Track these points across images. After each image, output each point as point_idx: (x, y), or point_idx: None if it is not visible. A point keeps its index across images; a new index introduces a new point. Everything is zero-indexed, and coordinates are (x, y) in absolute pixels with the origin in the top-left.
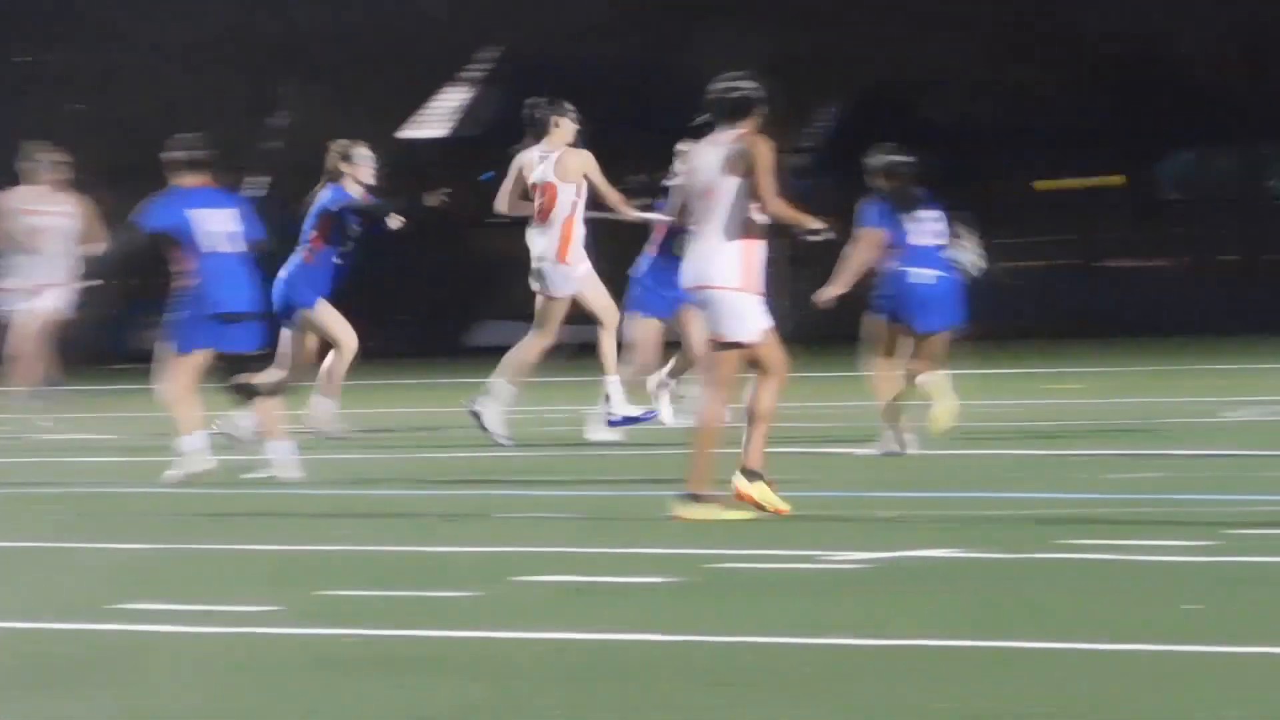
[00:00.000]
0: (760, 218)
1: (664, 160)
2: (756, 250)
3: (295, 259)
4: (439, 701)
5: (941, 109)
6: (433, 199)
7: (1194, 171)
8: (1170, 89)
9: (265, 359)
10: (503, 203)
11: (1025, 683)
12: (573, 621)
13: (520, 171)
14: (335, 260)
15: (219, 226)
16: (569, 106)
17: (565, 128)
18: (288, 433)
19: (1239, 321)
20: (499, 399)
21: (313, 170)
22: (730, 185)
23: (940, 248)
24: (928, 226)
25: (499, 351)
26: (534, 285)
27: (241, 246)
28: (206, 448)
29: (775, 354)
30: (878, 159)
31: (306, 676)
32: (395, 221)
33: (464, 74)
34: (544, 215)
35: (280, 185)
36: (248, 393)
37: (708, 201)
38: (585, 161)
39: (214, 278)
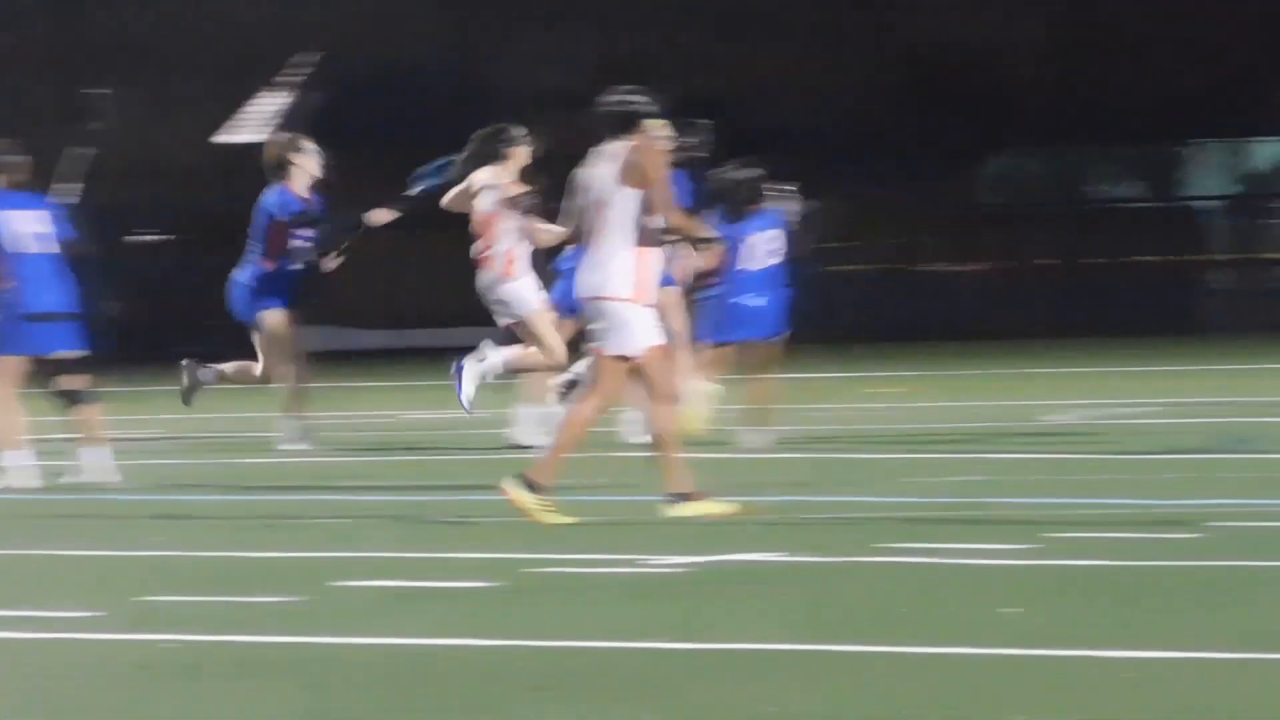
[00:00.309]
0: (655, 228)
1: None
2: (650, 261)
3: (254, 264)
4: (259, 707)
5: (760, 116)
6: (380, 215)
7: (1012, 177)
8: (989, 95)
9: (87, 362)
10: (448, 200)
11: (846, 686)
12: (393, 627)
13: (469, 187)
14: (294, 267)
15: (28, 228)
16: (521, 133)
17: (519, 156)
18: (106, 438)
19: (1057, 325)
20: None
21: (127, 173)
22: (624, 196)
23: (774, 267)
24: (761, 246)
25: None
26: (503, 320)
27: (53, 248)
28: (29, 462)
29: (659, 371)
30: (720, 175)
31: (127, 682)
32: (331, 264)
33: (280, 78)
34: (486, 246)
35: (93, 190)
36: (70, 398)
37: (601, 213)
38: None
39: (23, 279)
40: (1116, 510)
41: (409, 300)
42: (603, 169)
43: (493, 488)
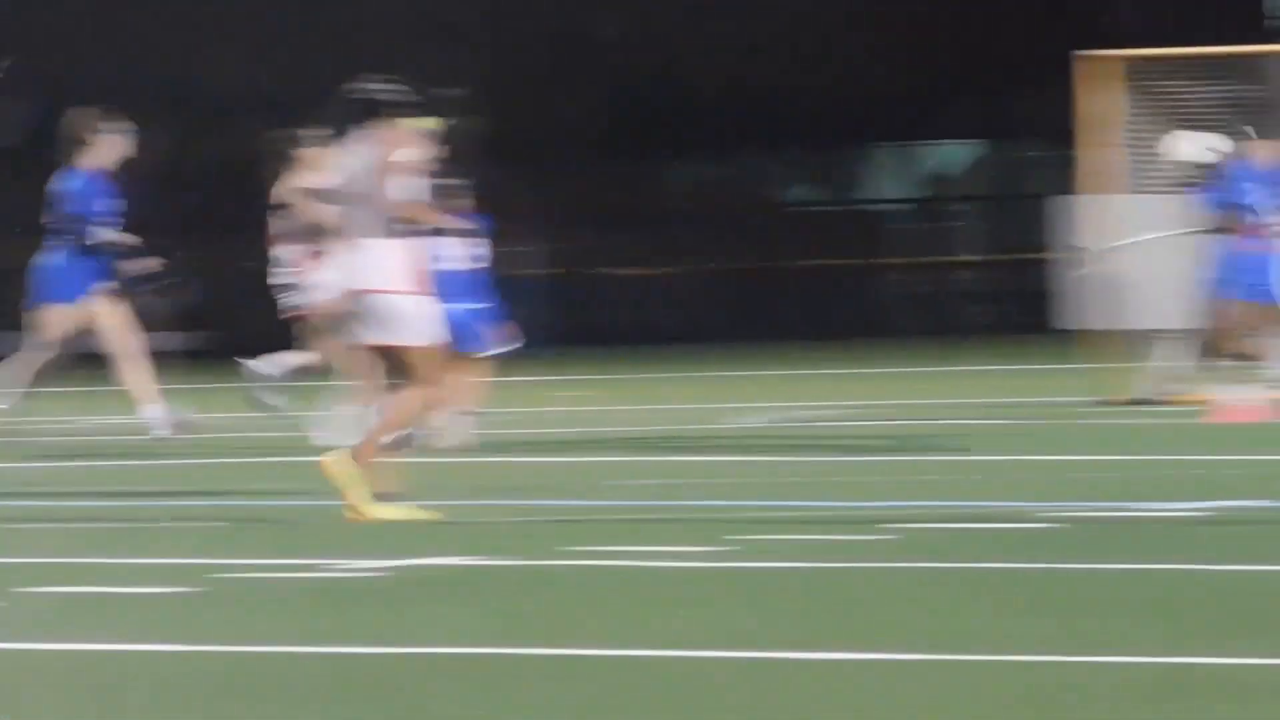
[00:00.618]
0: (404, 218)
1: None
2: (416, 251)
3: (66, 246)
4: None
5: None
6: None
7: (698, 180)
8: (678, 99)
9: None
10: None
11: (535, 690)
12: (78, 632)
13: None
14: (102, 251)
15: None
16: (307, 133)
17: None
18: None
19: (742, 329)
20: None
21: None
22: (378, 187)
23: (476, 273)
24: (459, 254)
25: None
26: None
27: None
28: None
29: (432, 364)
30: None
31: None
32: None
33: None
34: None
35: None
36: None
37: (360, 206)
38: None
39: None
40: (802, 512)
41: None
42: (355, 160)
43: (185, 493)
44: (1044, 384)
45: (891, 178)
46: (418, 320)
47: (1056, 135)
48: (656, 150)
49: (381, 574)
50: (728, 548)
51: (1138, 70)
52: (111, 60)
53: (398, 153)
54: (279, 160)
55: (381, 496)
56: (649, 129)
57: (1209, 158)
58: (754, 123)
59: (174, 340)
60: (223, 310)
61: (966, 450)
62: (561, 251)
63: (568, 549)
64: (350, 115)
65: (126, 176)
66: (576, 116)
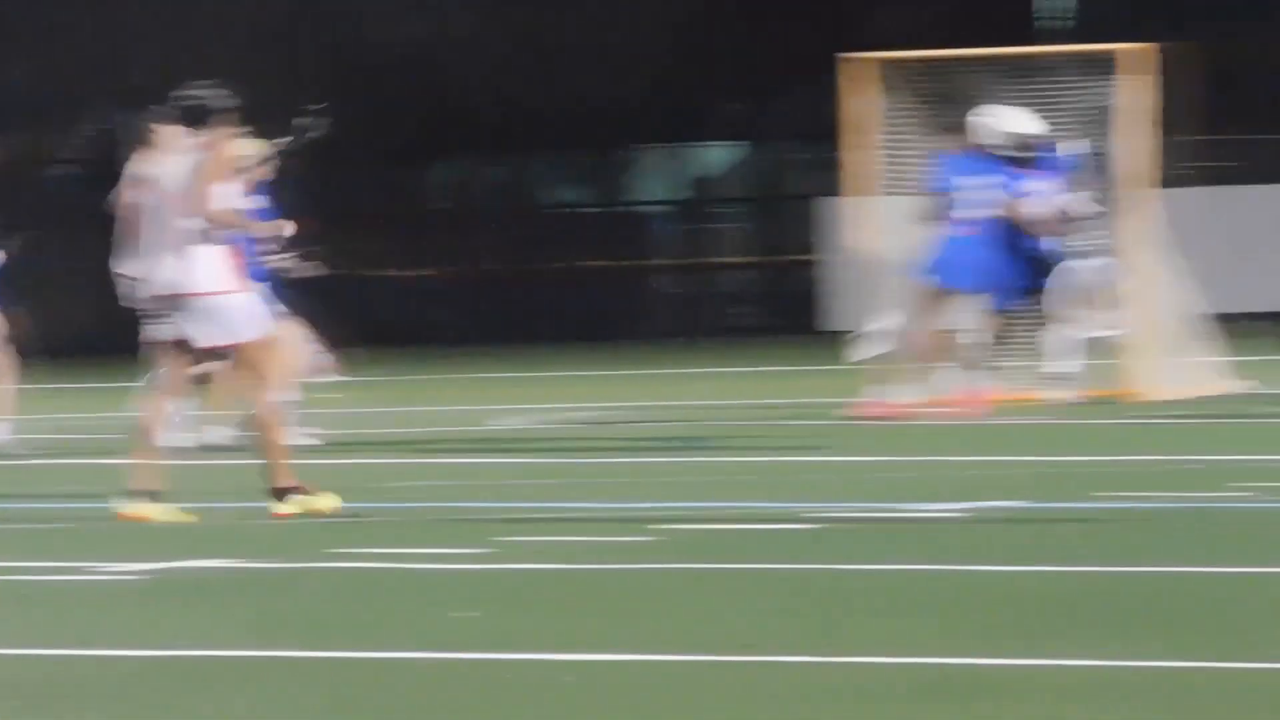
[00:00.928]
0: (217, 224)
1: None
2: (235, 251)
3: None
4: None
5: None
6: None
7: (460, 181)
8: (438, 100)
9: None
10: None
11: (295, 692)
12: None
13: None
14: None
15: None
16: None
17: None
18: None
19: (507, 331)
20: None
21: None
22: (196, 191)
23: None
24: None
25: None
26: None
27: None
28: None
29: (269, 357)
30: None
31: None
32: None
33: None
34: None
35: None
36: None
37: (174, 207)
38: None
39: None
40: (566, 513)
41: None
42: (174, 163)
43: None
44: (806, 385)
45: (656, 180)
46: (245, 317)
47: (820, 137)
48: (420, 153)
49: (141, 576)
50: (491, 549)
51: (895, 72)
52: None
53: (218, 158)
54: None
55: (148, 496)
56: (410, 128)
57: (1031, 129)
58: (517, 124)
59: None
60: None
61: (729, 451)
62: (330, 254)
63: (332, 551)
64: (183, 118)
65: None
66: (344, 121)
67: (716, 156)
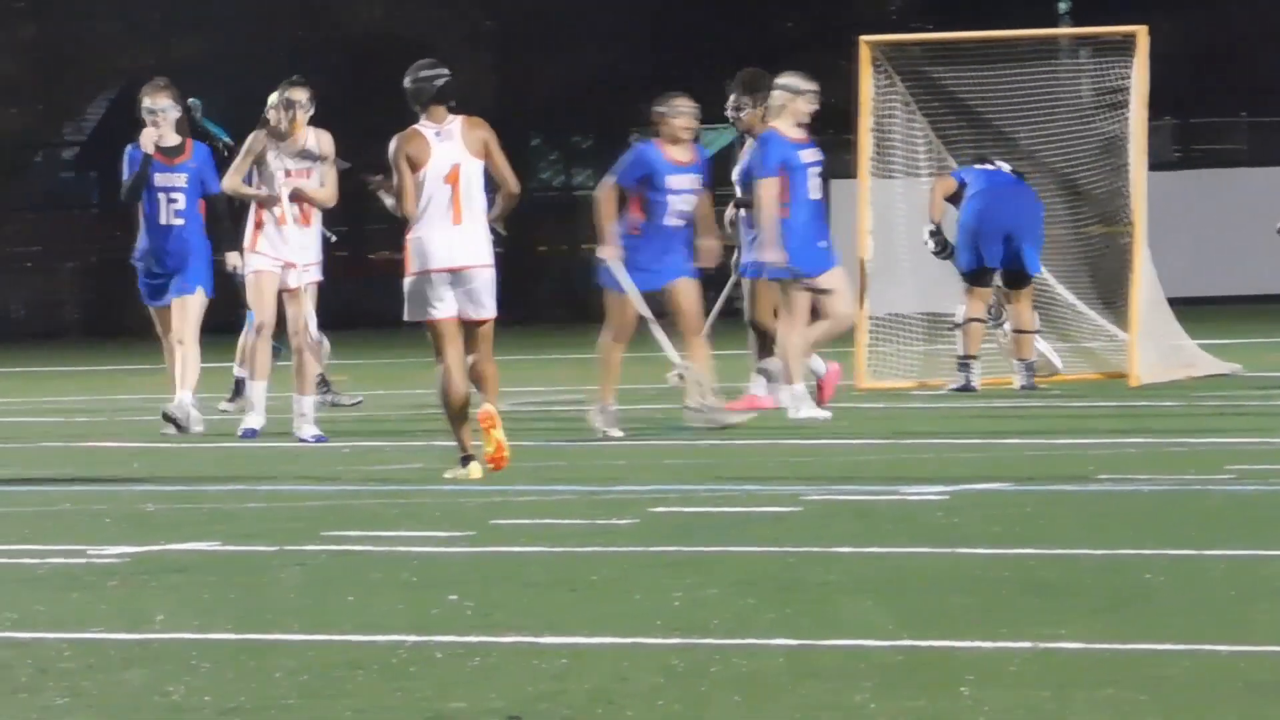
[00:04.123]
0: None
1: None
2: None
3: None
4: None
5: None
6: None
7: None
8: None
9: None
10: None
11: (284, 675)
12: None
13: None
14: None
15: None
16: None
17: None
18: None
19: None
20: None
21: None
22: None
23: None
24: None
25: None
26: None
27: None
28: None
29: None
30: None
31: None
32: None
33: None
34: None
35: None
36: None
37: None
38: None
39: None
40: (552, 495)
41: None
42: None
43: None
44: None
45: None
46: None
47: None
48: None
49: (129, 559)
50: (477, 532)
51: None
52: None
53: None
54: None
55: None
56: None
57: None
58: (512, 106)
59: None
60: None
61: (713, 434)
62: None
63: (322, 534)
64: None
65: None
66: (331, 102)
67: (708, 140)
